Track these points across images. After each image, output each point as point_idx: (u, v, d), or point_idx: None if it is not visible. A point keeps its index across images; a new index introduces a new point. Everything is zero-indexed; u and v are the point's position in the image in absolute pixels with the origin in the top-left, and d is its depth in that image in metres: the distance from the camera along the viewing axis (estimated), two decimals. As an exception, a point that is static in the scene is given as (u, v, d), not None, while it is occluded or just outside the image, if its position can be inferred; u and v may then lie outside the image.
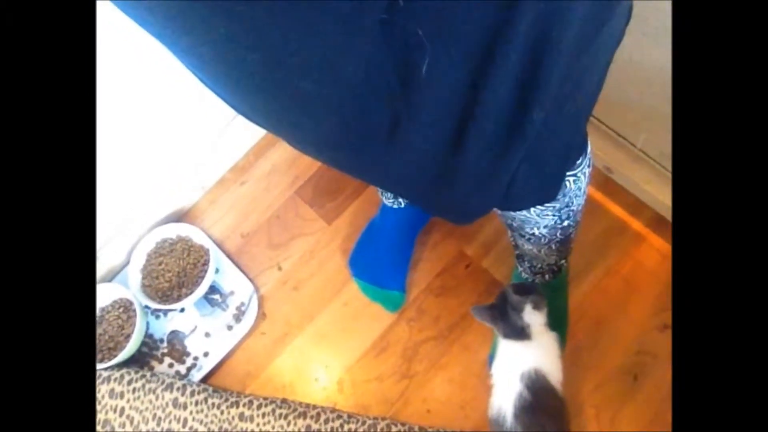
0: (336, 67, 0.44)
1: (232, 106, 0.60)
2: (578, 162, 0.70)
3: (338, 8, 0.38)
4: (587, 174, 0.74)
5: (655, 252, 1.15)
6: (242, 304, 1.20)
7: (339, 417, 1.08)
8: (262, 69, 0.45)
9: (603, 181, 1.18)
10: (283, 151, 1.34)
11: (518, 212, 0.77)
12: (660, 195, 1.11)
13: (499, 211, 0.84)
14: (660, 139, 1.02)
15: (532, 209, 0.75)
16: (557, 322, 1.08)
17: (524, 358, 0.92)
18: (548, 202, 0.72)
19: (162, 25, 0.43)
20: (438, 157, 0.56)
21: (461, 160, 0.55)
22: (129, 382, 1.10)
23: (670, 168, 1.06)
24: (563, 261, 1.01)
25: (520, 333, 0.93)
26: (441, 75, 0.46)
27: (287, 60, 0.43)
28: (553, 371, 0.93)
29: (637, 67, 0.91)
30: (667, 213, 1.13)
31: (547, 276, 1.03)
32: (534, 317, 0.92)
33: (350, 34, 0.41)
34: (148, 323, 1.20)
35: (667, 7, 0.79)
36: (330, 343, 1.18)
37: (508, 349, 0.95)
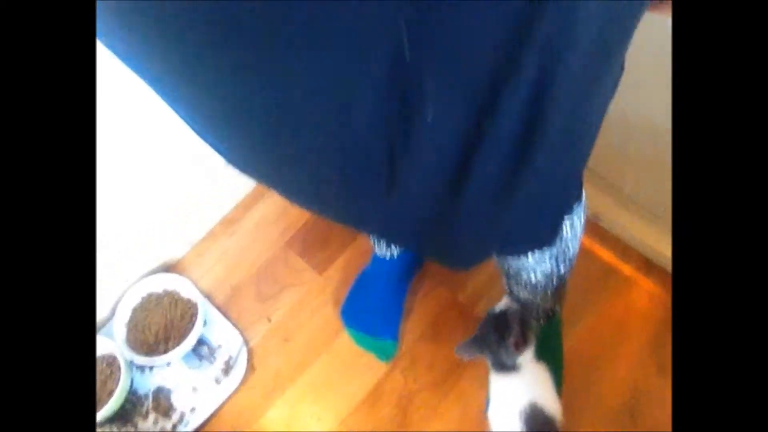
0: (339, 120, 0.44)
1: (228, 159, 0.60)
2: (574, 207, 0.71)
3: (345, 62, 0.39)
4: (582, 219, 0.75)
5: (646, 294, 1.16)
6: (231, 357, 1.17)
7: (333, 473, 1.04)
8: (265, 122, 0.45)
9: (591, 226, 1.19)
10: (273, 202, 1.33)
11: (515, 258, 0.77)
12: (648, 239, 1.13)
13: (496, 258, 0.84)
14: (647, 185, 1.05)
15: (529, 255, 0.75)
16: (553, 367, 1.07)
17: (518, 394, 0.91)
18: (545, 247, 0.72)
19: (167, 76, 0.44)
20: (437, 203, 0.56)
21: (460, 206, 0.55)
22: (113, 442, 1.06)
23: (657, 213, 1.08)
24: (557, 306, 1.01)
25: (510, 366, 0.92)
26: (443, 123, 0.46)
27: (291, 113, 0.43)
28: (550, 402, 0.92)
29: (621, 114, 0.93)
30: (655, 256, 1.15)
31: (541, 321, 1.03)
32: (529, 343, 0.92)
33: (355, 88, 0.41)
34: (132, 378, 1.16)
35: (648, 59, 0.83)
36: (322, 395, 1.15)
37: (501, 388, 0.93)
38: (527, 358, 0.92)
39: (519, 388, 0.91)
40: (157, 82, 0.45)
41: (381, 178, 0.51)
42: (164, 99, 0.50)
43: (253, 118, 0.44)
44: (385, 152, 0.48)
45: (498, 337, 0.91)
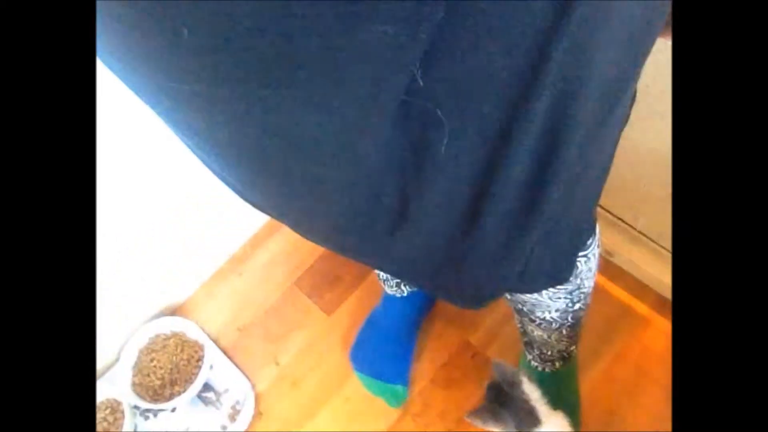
0: (352, 150, 0.44)
1: (239, 193, 0.60)
2: (588, 242, 0.70)
3: (359, 91, 0.38)
4: (597, 255, 0.74)
5: (662, 335, 1.13)
6: (237, 402, 1.14)
7: None
8: (277, 153, 0.45)
9: (604, 264, 1.17)
10: (281, 241, 1.33)
11: (530, 296, 0.75)
12: (662, 276, 1.10)
13: (509, 296, 0.82)
14: (659, 221, 1.03)
15: (544, 292, 0.74)
16: (570, 413, 1.03)
17: None
18: (561, 284, 0.70)
19: (181, 109, 0.43)
20: (449, 239, 0.55)
21: (474, 242, 0.54)
22: (114, 493, 1.02)
23: (669, 248, 1.06)
24: (573, 347, 0.98)
25: (531, 414, 0.85)
26: (457, 154, 0.45)
27: (304, 144, 0.43)
28: None
29: (631, 150, 0.93)
30: (670, 294, 1.12)
31: (557, 364, 1.00)
32: (534, 392, 0.85)
33: (369, 117, 0.41)
34: (135, 425, 1.13)
35: (658, 93, 0.83)
36: (331, 443, 1.12)
37: None
38: (543, 404, 0.87)
39: None
40: (165, 111, 0.45)
41: (392, 213, 0.51)
42: (173, 129, 0.50)
43: (265, 148, 0.44)
44: (397, 186, 0.48)
45: (505, 381, 0.85)
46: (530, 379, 0.84)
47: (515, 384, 0.83)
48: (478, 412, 0.84)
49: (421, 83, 0.39)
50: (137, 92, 0.44)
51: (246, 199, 0.61)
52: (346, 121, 0.40)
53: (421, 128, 0.43)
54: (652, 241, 1.08)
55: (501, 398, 0.85)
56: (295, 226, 0.63)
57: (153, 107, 0.45)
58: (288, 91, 0.37)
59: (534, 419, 0.83)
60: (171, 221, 1.17)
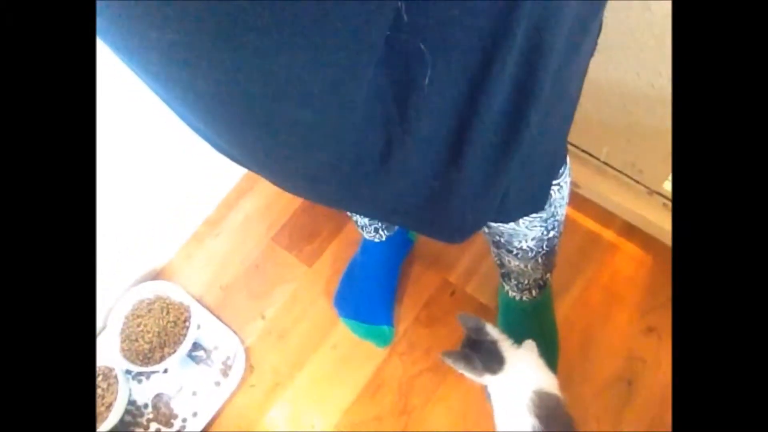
0: (338, 93, 0.44)
1: (218, 148, 0.60)
2: (561, 171, 0.73)
3: (347, 30, 0.39)
4: (568, 183, 0.77)
5: (630, 259, 1.19)
6: (228, 358, 1.17)
7: (342, 462, 1.04)
8: (263, 101, 0.45)
9: (572, 195, 1.22)
10: (256, 199, 1.33)
11: (507, 226, 0.78)
12: (627, 203, 1.16)
13: (487, 229, 0.85)
14: (622, 150, 1.07)
15: (521, 222, 0.77)
16: (548, 338, 1.09)
17: (519, 387, 0.89)
18: (538, 212, 0.73)
19: (164, 60, 0.43)
20: (433, 176, 0.56)
21: (457, 176, 0.56)
22: (116, 455, 1.04)
23: (634, 177, 1.11)
24: (548, 275, 1.03)
25: (496, 354, 0.89)
26: (440, 89, 0.46)
27: (291, 88, 0.43)
28: (548, 380, 0.91)
29: (594, 82, 0.96)
30: (636, 220, 1.18)
31: (533, 292, 1.05)
32: (496, 333, 0.90)
33: (357, 56, 0.41)
34: (130, 389, 1.15)
35: (618, 25, 0.85)
36: (323, 389, 1.15)
37: (498, 388, 0.91)
38: (506, 344, 0.90)
39: (517, 381, 0.89)
40: (148, 66, 0.45)
41: (374, 155, 0.51)
42: (155, 87, 0.49)
43: (250, 95, 0.44)
44: (382, 126, 0.48)
45: (470, 328, 0.89)
46: (494, 325, 0.90)
47: (479, 329, 0.89)
48: (450, 354, 0.90)
49: (405, 18, 0.40)
50: (119, 50, 0.43)
51: (226, 154, 0.60)
52: (335, 62, 0.40)
53: (404, 65, 0.44)
54: (616, 170, 1.13)
55: (473, 346, 0.90)
56: (277, 179, 0.63)
57: (136, 66, 0.45)
58: (275, 35, 0.38)
59: (498, 358, 0.88)
60: (144, 188, 1.16)
